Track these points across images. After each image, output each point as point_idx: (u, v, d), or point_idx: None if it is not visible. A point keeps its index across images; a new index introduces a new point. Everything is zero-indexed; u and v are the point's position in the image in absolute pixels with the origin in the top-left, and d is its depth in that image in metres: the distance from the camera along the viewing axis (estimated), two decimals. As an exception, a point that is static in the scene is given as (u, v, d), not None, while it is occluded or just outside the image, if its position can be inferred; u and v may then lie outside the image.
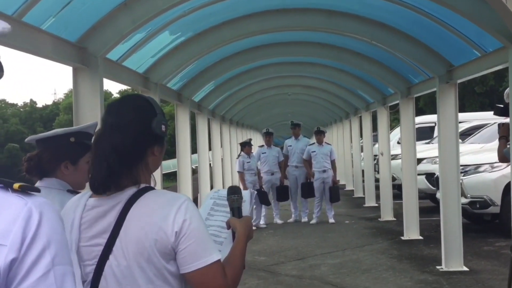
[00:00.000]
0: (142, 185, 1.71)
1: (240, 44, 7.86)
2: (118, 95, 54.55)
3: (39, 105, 69.06)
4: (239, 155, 10.70)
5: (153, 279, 1.64)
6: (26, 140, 2.39)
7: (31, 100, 69.73)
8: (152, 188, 1.73)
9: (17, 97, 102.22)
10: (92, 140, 1.78)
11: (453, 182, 6.52)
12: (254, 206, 10.40)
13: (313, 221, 10.69)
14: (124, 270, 1.64)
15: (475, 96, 30.95)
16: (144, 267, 1.63)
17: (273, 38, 8.15)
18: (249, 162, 10.56)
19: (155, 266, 1.63)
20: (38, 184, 2.33)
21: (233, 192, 1.90)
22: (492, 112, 6.22)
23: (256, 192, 2.36)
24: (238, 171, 10.56)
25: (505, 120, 5.63)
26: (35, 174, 2.32)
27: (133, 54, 5.68)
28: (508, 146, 5.32)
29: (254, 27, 6.75)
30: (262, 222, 10.61)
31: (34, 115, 64.88)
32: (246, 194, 1.97)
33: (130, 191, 1.69)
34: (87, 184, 2.40)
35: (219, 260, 1.67)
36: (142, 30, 5.31)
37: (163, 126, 1.78)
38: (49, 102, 69.29)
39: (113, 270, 1.66)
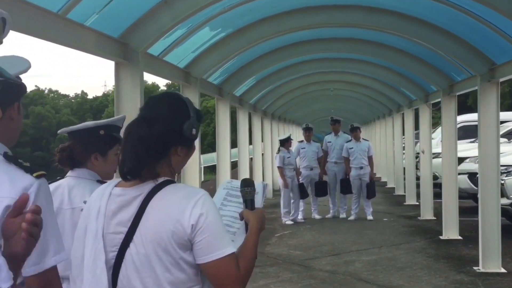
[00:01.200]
0: (164, 178, 1.79)
1: (281, 40, 7.91)
2: (165, 88, 55.48)
3: (90, 96, 71.05)
4: (279, 150, 10.74)
5: (170, 267, 1.72)
6: (58, 132, 2.53)
7: (82, 91, 72.00)
8: (173, 182, 1.81)
9: (70, 89, 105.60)
10: (123, 129, 1.87)
11: (492, 182, 6.39)
12: (293, 201, 10.49)
13: (351, 218, 10.67)
14: (142, 258, 1.73)
15: (526, 95, 29.91)
16: (161, 256, 1.72)
17: (313, 34, 8.16)
18: (289, 157, 10.62)
19: (171, 255, 1.72)
20: (69, 174, 2.47)
21: (247, 185, 1.96)
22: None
23: (267, 184, 2.40)
24: (278, 166, 10.60)
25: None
26: (67, 164, 2.46)
27: (174, 49, 5.83)
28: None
29: (294, 24, 6.80)
30: (300, 216, 10.66)
31: (85, 106, 66.77)
32: (258, 186, 2.03)
33: (152, 184, 1.78)
34: (115, 174, 2.55)
35: (233, 253, 1.74)
36: (183, 26, 5.44)
37: (194, 130, 1.84)
38: (99, 94, 71.07)
39: (132, 257, 1.75)
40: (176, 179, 1.87)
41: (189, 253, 1.74)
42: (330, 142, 11.18)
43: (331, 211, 11.09)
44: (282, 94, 13.95)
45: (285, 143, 10.67)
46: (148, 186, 1.78)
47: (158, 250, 1.72)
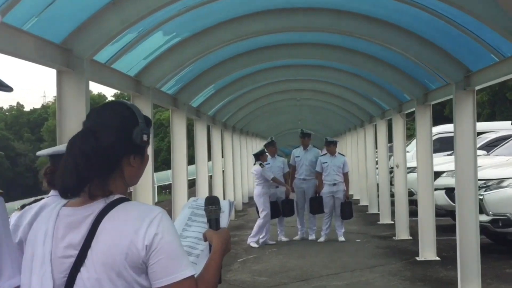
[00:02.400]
0: (116, 196, 1.82)
1: (242, 45, 8.00)
2: (113, 98, 54.94)
3: (27, 108, 69.63)
4: (262, 165, 10.61)
5: None
6: (37, 153, 2.79)
7: (18, 103, 70.25)
8: (127, 199, 1.84)
9: (3, 100, 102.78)
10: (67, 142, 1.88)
11: (470, 197, 6.57)
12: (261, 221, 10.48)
13: (321, 239, 10.76)
14: (94, 283, 1.75)
15: (506, 103, 30.89)
16: (115, 280, 1.74)
17: (278, 39, 8.29)
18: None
19: (125, 279, 1.74)
20: (53, 193, 2.64)
21: (211, 203, 1.99)
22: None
23: (234, 202, 2.44)
24: (272, 178, 10.51)
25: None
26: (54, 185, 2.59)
27: (124, 56, 5.84)
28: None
29: (256, 27, 6.89)
30: (268, 238, 10.68)
31: (21, 120, 65.41)
32: (224, 204, 2.06)
33: (103, 202, 1.80)
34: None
35: (192, 276, 1.77)
36: (133, 30, 5.46)
37: (144, 136, 1.88)
38: (38, 106, 69.78)
39: (84, 283, 1.76)
40: (129, 195, 1.90)
41: (144, 276, 1.76)
42: (299, 156, 11.23)
43: (299, 232, 11.16)
44: (244, 105, 14.06)
45: (260, 156, 10.69)
46: (99, 205, 1.80)
47: (111, 273, 1.74)
